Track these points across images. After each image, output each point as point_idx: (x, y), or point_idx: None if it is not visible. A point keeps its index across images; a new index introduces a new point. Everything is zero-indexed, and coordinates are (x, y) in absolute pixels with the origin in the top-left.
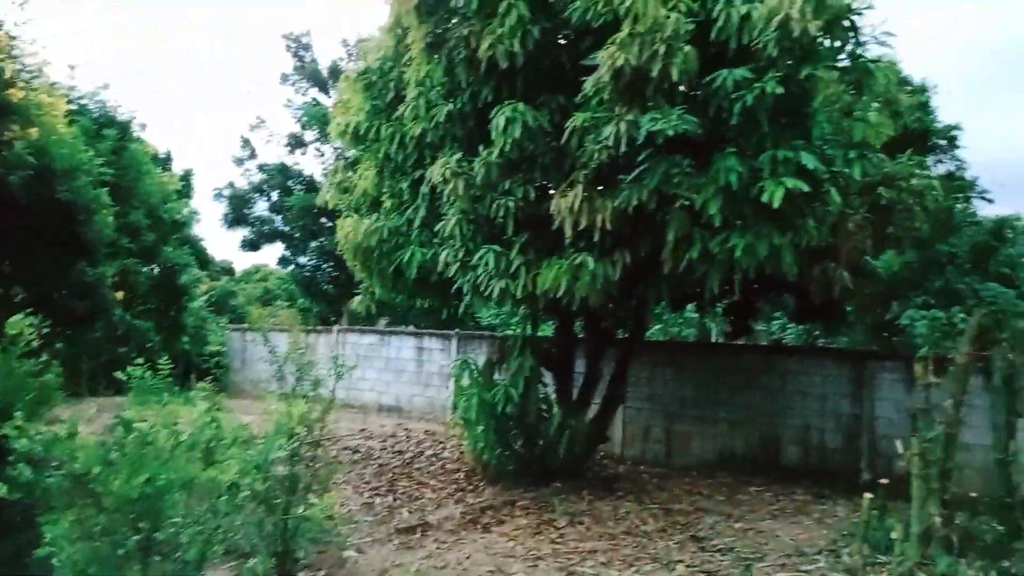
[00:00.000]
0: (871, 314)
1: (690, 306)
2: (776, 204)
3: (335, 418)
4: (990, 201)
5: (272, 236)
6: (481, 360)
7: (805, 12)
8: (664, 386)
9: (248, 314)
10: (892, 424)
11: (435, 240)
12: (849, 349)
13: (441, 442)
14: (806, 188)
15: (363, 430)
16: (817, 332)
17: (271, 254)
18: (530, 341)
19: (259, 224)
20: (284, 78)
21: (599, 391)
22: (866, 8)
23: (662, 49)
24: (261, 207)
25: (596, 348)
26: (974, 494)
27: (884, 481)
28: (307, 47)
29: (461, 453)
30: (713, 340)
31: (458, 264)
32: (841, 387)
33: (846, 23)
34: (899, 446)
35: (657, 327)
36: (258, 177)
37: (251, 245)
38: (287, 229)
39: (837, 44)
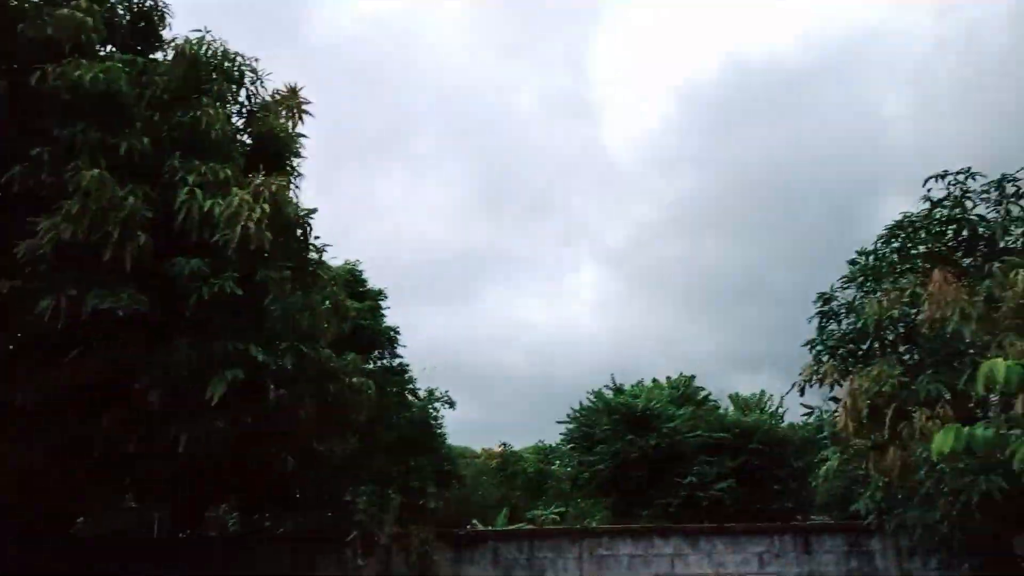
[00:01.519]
0: (320, 497)
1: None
2: (216, 400)
3: None
4: (423, 390)
5: None
6: None
7: (262, 223)
8: None
9: None
10: None
11: None
12: (291, 534)
13: None
14: (242, 376)
15: None
16: (265, 515)
17: None
18: None
19: None
20: None
21: None
22: (313, 213)
23: (116, 231)
24: None
25: None
26: None
27: None
28: None
29: None
30: (160, 532)
31: None
32: (284, 571)
33: (299, 231)
34: None
35: (84, 517)
36: None
37: None
38: None
39: (292, 246)
